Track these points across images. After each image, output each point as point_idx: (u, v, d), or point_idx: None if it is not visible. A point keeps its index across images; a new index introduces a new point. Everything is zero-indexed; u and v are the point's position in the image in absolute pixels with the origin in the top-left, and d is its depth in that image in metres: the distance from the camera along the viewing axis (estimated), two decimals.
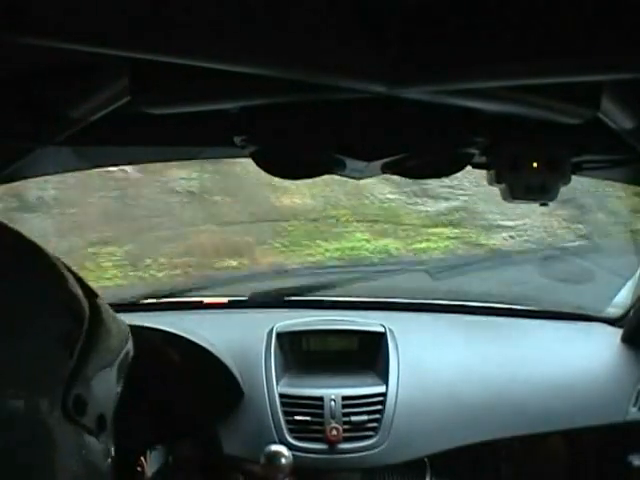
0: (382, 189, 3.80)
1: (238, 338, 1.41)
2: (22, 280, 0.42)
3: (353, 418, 1.25)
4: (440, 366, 1.37)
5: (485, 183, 0.86)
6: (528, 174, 0.79)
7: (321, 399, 1.27)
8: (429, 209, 3.86)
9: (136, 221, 3.55)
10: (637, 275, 1.50)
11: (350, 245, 3.64)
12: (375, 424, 1.25)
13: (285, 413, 1.26)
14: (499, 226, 3.77)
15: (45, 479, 0.40)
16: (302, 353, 1.42)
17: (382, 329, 1.43)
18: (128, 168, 3.26)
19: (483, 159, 0.82)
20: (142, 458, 1.01)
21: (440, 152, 0.79)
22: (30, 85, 0.66)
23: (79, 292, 0.47)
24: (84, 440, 0.45)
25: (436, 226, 3.85)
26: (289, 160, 0.78)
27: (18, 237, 0.44)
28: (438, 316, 1.62)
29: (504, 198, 0.85)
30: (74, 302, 0.45)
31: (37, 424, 0.39)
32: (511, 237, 3.73)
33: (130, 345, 0.58)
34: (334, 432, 1.23)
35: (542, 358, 1.42)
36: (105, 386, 0.48)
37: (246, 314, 1.60)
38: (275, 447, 1.08)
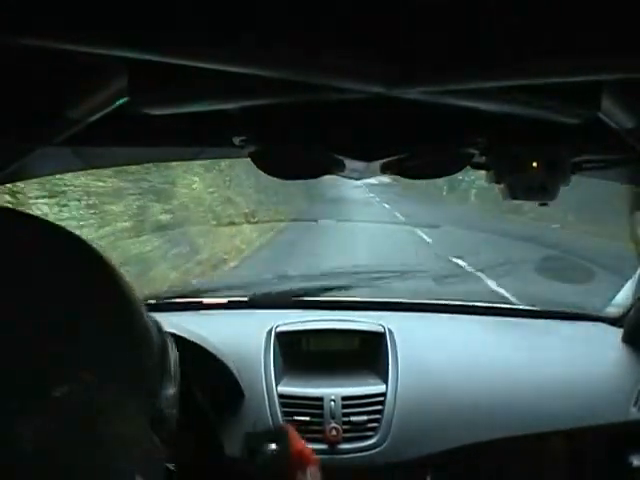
0: None
1: (238, 338, 1.41)
2: (119, 306, 0.44)
3: (353, 418, 1.25)
4: (440, 366, 1.37)
5: None
6: (528, 174, 0.79)
7: (321, 399, 1.27)
8: None
9: None
10: (637, 275, 1.50)
11: None
12: (375, 424, 1.25)
13: (285, 413, 1.25)
14: None
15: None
16: (302, 353, 1.43)
17: (382, 329, 1.43)
18: None
19: (483, 159, 0.82)
20: None
21: (440, 152, 0.79)
22: (29, 85, 0.66)
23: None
24: (161, 453, 0.46)
25: None
26: (288, 161, 0.78)
27: (94, 253, 0.45)
28: (438, 316, 1.62)
29: (504, 198, 0.85)
30: (150, 320, 0.46)
31: (131, 434, 0.41)
32: None
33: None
34: (334, 432, 1.23)
35: (542, 358, 1.42)
36: (173, 404, 0.49)
37: (246, 314, 1.60)
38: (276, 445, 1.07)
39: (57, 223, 0.46)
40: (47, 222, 0.46)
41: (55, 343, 0.36)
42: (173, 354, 0.49)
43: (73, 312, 0.39)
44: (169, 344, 0.48)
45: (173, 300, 1.64)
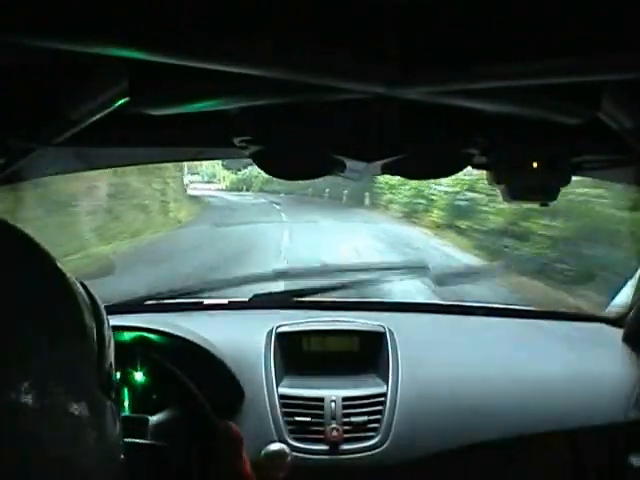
0: None
1: (238, 339, 1.41)
2: (48, 281, 0.44)
3: (353, 419, 1.25)
4: (440, 366, 1.37)
5: None
6: (528, 174, 0.79)
7: (321, 400, 1.27)
8: None
9: None
10: (637, 275, 1.50)
11: None
12: (375, 425, 1.25)
13: (285, 414, 1.25)
14: None
15: (92, 452, 0.43)
16: (302, 354, 1.42)
17: (382, 329, 1.43)
18: None
19: (483, 159, 0.82)
20: None
21: (440, 152, 0.79)
22: (30, 86, 0.66)
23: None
24: (115, 415, 0.48)
25: None
26: (289, 161, 0.78)
27: (23, 237, 0.45)
28: (438, 316, 1.62)
29: (504, 198, 0.85)
30: (80, 289, 0.47)
31: (85, 401, 0.42)
32: None
33: None
34: (334, 433, 1.22)
35: (542, 358, 1.42)
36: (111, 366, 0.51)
37: (246, 315, 1.60)
38: (275, 445, 1.08)
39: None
40: None
41: None
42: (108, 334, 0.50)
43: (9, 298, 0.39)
44: (104, 324, 0.49)
45: (174, 300, 1.64)
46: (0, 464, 0.35)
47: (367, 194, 11.12)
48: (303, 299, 1.68)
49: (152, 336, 1.19)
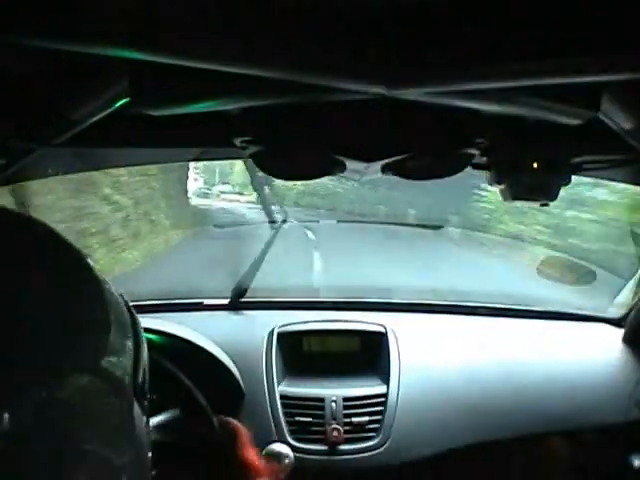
0: None
1: (239, 339, 1.41)
2: (84, 284, 0.43)
3: (354, 419, 1.25)
4: (441, 366, 1.37)
5: None
6: (528, 174, 0.79)
7: (322, 400, 1.27)
8: None
9: None
10: (638, 275, 1.50)
11: None
12: (376, 425, 1.25)
13: (286, 414, 1.25)
14: None
15: (133, 462, 0.42)
16: (303, 354, 1.43)
17: (383, 329, 1.43)
18: None
19: (483, 159, 0.82)
20: None
21: (440, 153, 0.79)
22: (30, 86, 0.66)
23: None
24: (146, 422, 0.47)
25: None
26: (289, 161, 0.78)
27: (59, 240, 0.45)
28: (439, 317, 1.62)
29: (504, 198, 0.85)
30: (109, 286, 0.46)
31: (121, 402, 0.42)
32: None
33: None
34: (335, 433, 1.22)
35: (543, 358, 1.42)
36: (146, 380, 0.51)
37: (247, 315, 1.60)
38: (276, 446, 1.08)
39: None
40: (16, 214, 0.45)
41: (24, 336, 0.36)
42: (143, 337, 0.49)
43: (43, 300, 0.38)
44: (139, 328, 0.49)
45: (175, 301, 1.64)
46: (36, 459, 0.34)
47: (453, 218, 6.26)
48: (303, 299, 1.69)
49: (152, 336, 1.19)
